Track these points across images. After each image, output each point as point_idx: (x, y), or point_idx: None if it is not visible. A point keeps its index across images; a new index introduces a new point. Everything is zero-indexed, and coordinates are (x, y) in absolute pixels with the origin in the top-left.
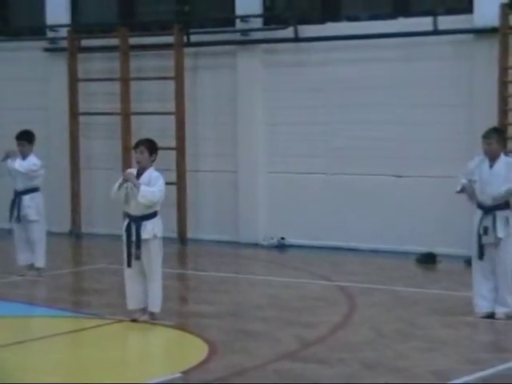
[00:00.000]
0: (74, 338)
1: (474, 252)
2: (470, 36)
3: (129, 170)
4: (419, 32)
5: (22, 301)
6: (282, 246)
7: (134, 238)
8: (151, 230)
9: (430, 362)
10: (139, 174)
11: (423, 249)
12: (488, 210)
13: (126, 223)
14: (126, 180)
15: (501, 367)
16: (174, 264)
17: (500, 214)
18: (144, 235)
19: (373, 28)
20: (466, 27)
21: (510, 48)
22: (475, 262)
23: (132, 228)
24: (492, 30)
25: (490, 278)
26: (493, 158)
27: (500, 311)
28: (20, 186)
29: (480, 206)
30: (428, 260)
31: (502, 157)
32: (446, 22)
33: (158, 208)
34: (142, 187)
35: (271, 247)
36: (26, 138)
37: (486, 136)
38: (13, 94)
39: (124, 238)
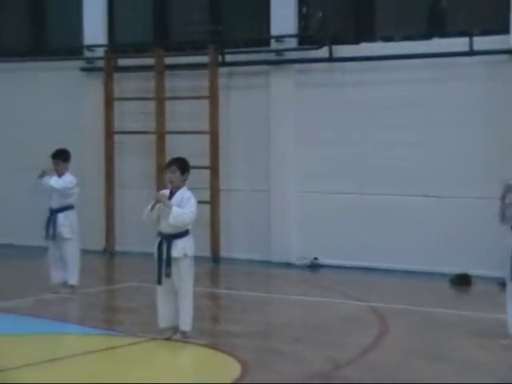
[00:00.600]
0: (105, 356)
1: (506, 273)
2: (506, 56)
3: (162, 192)
4: (454, 52)
5: (55, 318)
6: (314, 266)
7: (164, 255)
8: (182, 248)
9: None
10: (172, 194)
11: (457, 270)
12: None
13: (157, 241)
14: (158, 201)
15: None
16: (206, 283)
17: None
18: (174, 253)
19: (407, 48)
20: (502, 48)
21: None
22: (509, 284)
23: (163, 246)
24: None
25: None
26: None
27: None
28: (55, 204)
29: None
30: (462, 281)
31: None
32: (481, 42)
33: (189, 227)
34: (174, 208)
35: (304, 267)
36: (61, 156)
37: None
38: (49, 112)
39: (156, 255)
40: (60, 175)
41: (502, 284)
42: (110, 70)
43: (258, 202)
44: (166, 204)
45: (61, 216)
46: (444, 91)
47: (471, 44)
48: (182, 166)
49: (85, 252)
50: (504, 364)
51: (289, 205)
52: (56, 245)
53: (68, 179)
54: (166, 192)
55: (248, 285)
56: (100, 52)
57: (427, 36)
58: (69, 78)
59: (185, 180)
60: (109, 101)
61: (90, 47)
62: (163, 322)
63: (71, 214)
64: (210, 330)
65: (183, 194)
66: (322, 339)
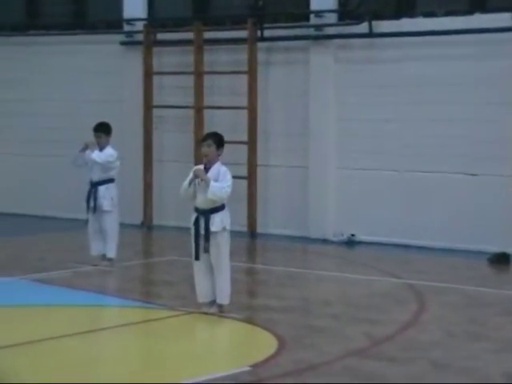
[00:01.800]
0: (143, 329)
1: None
2: None
3: (197, 167)
4: (496, 28)
5: (94, 290)
6: (351, 243)
7: (202, 231)
8: (220, 222)
9: (501, 363)
10: (206, 169)
11: (496, 248)
12: None
13: (194, 217)
14: (196, 176)
15: None
16: (243, 258)
17: None
18: (213, 228)
19: (449, 24)
20: None
21: None
22: None
23: (201, 221)
24: None
25: None
26: None
27: None
28: (96, 177)
29: None
30: (501, 260)
31: None
32: None
33: (225, 201)
34: (212, 183)
35: (341, 243)
36: (103, 129)
37: None
38: (89, 86)
39: (192, 231)
40: (101, 149)
41: None
42: (149, 44)
43: (296, 178)
44: (204, 179)
45: (102, 189)
46: (486, 68)
47: None
48: (218, 140)
49: (123, 225)
50: None
51: (326, 181)
52: (96, 217)
53: (109, 152)
54: (201, 167)
55: (285, 260)
56: (139, 26)
57: (469, 11)
58: (108, 52)
59: (219, 155)
60: (148, 75)
61: (130, 21)
62: (201, 296)
63: (112, 187)
64: (247, 305)
65: (219, 168)
66: (359, 316)
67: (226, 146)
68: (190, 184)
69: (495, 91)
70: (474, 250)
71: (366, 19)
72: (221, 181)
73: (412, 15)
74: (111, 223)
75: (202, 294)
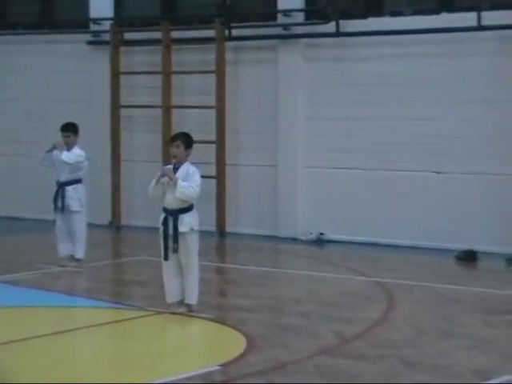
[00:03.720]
0: (112, 329)
1: None
2: None
3: (167, 166)
4: (463, 27)
5: (63, 291)
6: (320, 241)
7: (171, 231)
8: (188, 223)
9: (470, 360)
10: (175, 169)
11: (463, 246)
12: None
13: (162, 217)
14: (163, 175)
15: None
16: (212, 257)
17: None
18: (181, 228)
19: (416, 23)
20: (511, 23)
21: None
22: None
23: (169, 221)
24: None
25: None
26: None
27: None
28: (64, 177)
29: None
30: (468, 257)
31: None
32: (490, 17)
33: (194, 201)
34: (180, 182)
35: (310, 242)
36: (71, 129)
37: None
38: (56, 86)
39: (161, 231)
40: (69, 149)
41: (509, 261)
42: (116, 44)
43: (265, 177)
44: (172, 177)
45: (69, 189)
46: (453, 67)
47: (479, 19)
48: (187, 140)
49: (91, 226)
50: (511, 340)
51: (296, 180)
52: (64, 218)
53: (77, 152)
54: (171, 167)
55: (254, 259)
56: (106, 25)
57: (436, 11)
58: (75, 52)
59: (188, 155)
60: (115, 75)
61: (96, 20)
62: (170, 296)
63: (80, 187)
64: (217, 304)
65: (188, 168)
66: (329, 314)
67: (194, 145)
68: (157, 182)
69: (462, 90)
70: (441, 248)
71: (334, 18)
72: (189, 181)
73: (379, 14)
74: (79, 224)
75: (171, 293)
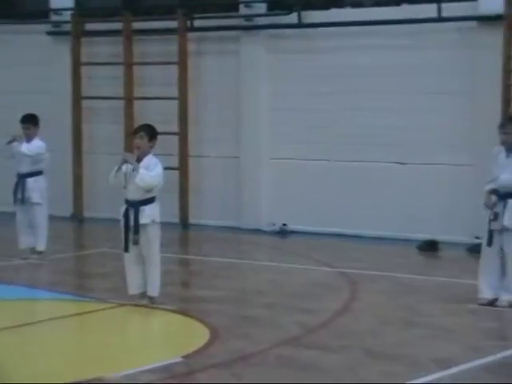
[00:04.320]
0: (75, 322)
1: (484, 237)
2: (474, 23)
3: (128, 153)
4: (423, 19)
5: (25, 284)
6: (284, 232)
7: (132, 223)
8: (150, 214)
9: (431, 349)
10: (138, 160)
11: (426, 236)
12: (501, 196)
13: (123, 208)
14: (125, 161)
15: (502, 355)
16: (176, 249)
17: (511, 202)
18: (142, 220)
19: (376, 14)
20: (471, 14)
21: None
22: (484, 248)
23: (130, 213)
24: (496, 18)
25: (496, 264)
26: (510, 148)
27: (504, 298)
28: (24, 169)
29: (494, 192)
30: (430, 247)
31: None
32: (450, 8)
33: (156, 193)
34: (141, 170)
35: (273, 233)
36: (31, 121)
37: (503, 126)
38: (16, 77)
39: (122, 223)
40: (29, 140)
41: (470, 250)
42: (77, 35)
43: (228, 168)
44: (133, 164)
45: (30, 181)
46: (414, 58)
47: (439, 10)
48: (150, 132)
49: (52, 218)
50: (472, 328)
51: (259, 171)
52: (24, 210)
53: (38, 144)
54: (133, 155)
55: (218, 251)
56: (67, 16)
57: (396, 2)
58: (36, 43)
59: (151, 147)
60: (76, 66)
61: (57, 11)
62: (132, 288)
63: (41, 179)
64: (180, 296)
65: (150, 160)
66: (292, 305)
67: (157, 136)
68: (118, 169)
69: (424, 81)
70: (404, 238)
71: (296, 9)
72: (150, 171)
73: (341, 5)
74: (40, 216)
75: (133, 285)
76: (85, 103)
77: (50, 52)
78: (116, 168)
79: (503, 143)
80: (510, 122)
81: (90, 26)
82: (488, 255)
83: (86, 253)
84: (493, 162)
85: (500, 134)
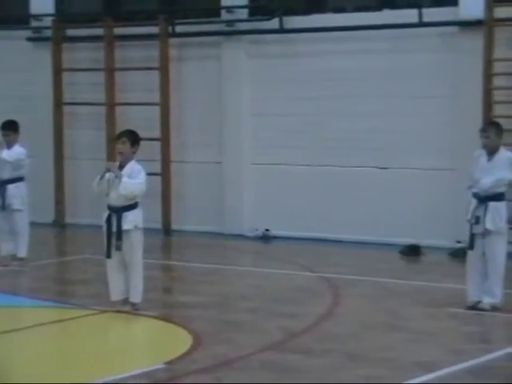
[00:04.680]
0: (57, 328)
1: (467, 241)
2: (455, 28)
3: (111, 162)
4: (404, 24)
5: (6, 291)
6: (266, 238)
7: (114, 228)
8: (132, 220)
9: (414, 353)
10: (121, 166)
11: (407, 240)
12: (482, 200)
13: (106, 214)
14: (108, 170)
15: (484, 358)
16: (158, 255)
17: (492, 205)
18: (125, 226)
19: (358, 20)
20: (451, 19)
21: (494, 40)
22: (469, 251)
23: (113, 219)
24: (477, 23)
25: (480, 267)
26: (491, 152)
27: (486, 301)
28: (5, 176)
29: (475, 195)
30: (412, 252)
31: (502, 150)
32: (431, 14)
33: (138, 199)
34: (124, 179)
35: (256, 238)
36: (11, 127)
37: (484, 130)
38: None
39: (104, 229)
40: (10, 147)
41: (452, 254)
42: (58, 40)
43: (210, 174)
44: (116, 173)
45: (11, 187)
46: (395, 62)
47: (421, 15)
48: (133, 138)
49: (34, 224)
50: (455, 332)
51: (241, 176)
52: (5, 217)
53: (18, 151)
54: (116, 164)
55: (200, 256)
56: (47, 22)
57: (377, 7)
58: (16, 48)
59: (134, 152)
60: (58, 71)
61: (37, 16)
62: (114, 294)
63: (22, 185)
64: (163, 302)
65: (133, 166)
66: (275, 310)
67: (140, 142)
68: (101, 178)
69: (405, 85)
70: (386, 243)
71: (277, 15)
72: (133, 178)
73: (322, 11)
74: (22, 222)
75: (115, 292)
76: (66, 109)
77: (30, 58)
78: (99, 177)
79: (484, 147)
80: (491, 125)
81: (70, 32)
82: (472, 259)
83: (68, 259)
84: (474, 166)
85: (481, 138)
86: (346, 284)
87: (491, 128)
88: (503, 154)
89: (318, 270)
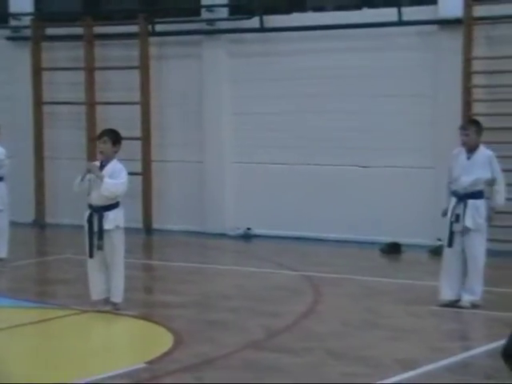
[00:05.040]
0: (38, 329)
1: (445, 239)
2: (435, 27)
3: (93, 162)
4: (384, 23)
5: None
6: (248, 236)
7: (96, 228)
8: (113, 220)
9: (394, 350)
10: (102, 166)
11: (388, 239)
12: (461, 198)
13: (87, 214)
14: (89, 171)
15: (464, 355)
16: (139, 254)
17: (471, 203)
18: (106, 226)
19: (338, 18)
20: (431, 18)
21: (473, 39)
22: (446, 249)
23: (94, 218)
24: (456, 21)
25: (458, 265)
26: (471, 150)
27: (466, 299)
28: None
29: (455, 193)
30: (393, 250)
31: (482, 148)
32: (410, 12)
33: (120, 199)
34: (105, 179)
35: (237, 237)
36: None
37: (464, 127)
38: None
39: (86, 228)
40: None
41: (432, 252)
42: (37, 40)
43: (192, 173)
44: (97, 174)
45: None
46: (375, 61)
47: (400, 14)
48: (114, 137)
49: (14, 224)
50: (435, 329)
51: (222, 175)
52: None
53: None
54: (97, 163)
55: (182, 256)
56: (26, 21)
57: (357, 6)
58: None
59: (116, 152)
60: (37, 71)
61: (16, 16)
62: (95, 294)
63: (2, 185)
64: (144, 301)
65: (114, 165)
66: (257, 308)
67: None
68: (82, 179)
69: (386, 84)
70: (367, 241)
71: (258, 14)
72: (115, 178)
73: (303, 10)
74: (1, 222)
75: (96, 291)
76: (46, 108)
77: (9, 57)
78: (80, 177)
79: (464, 145)
80: (471, 123)
81: (50, 31)
82: (450, 257)
83: (49, 259)
84: (453, 163)
85: (461, 136)
86: (327, 282)
87: (471, 126)
88: (483, 152)
89: (300, 268)
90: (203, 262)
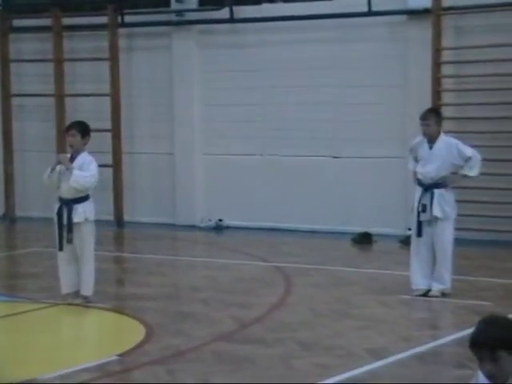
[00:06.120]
0: (8, 323)
1: (413, 229)
2: (404, 17)
3: (63, 154)
4: (354, 13)
5: None
6: (219, 228)
7: (65, 221)
8: (83, 213)
9: (365, 340)
10: (73, 158)
11: (360, 229)
12: (427, 187)
13: (57, 206)
14: (59, 162)
15: (433, 344)
16: (110, 247)
17: (438, 193)
18: (75, 218)
19: (308, 9)
20: (400, 8)
21: (442, 29)
22: (414, 239)
23: (63, 211)
24: (425, 11)
25: (427, 255)
26: (432, 139)
27: (435, 288)
28: None
29: (420, 183)
30: (364, 240)
31: (442, 137)
32: (379, 3)
33: (90, 191)
34: (75, 171)
35: (209, 229)
36: None
37: (424, 117)
38: None
39: (55, 221)
40: None
41: (403, 242)
42: (5, 31)
43: (162, 165)
44: (67, 165)
45: None
46: (345, 52)
47: (370, 4)
48: (83, 129)
49: None
50: (405, 319)
51: (193, 167)
52: None
53: None
54: (68, 156)
55: (153, 248)
56: None
57: None
58: None
59: (85, 144)
60: (5, 62)
61: None
62: (65, 287)
63: None
64: (115, 294)
65: (84, 158)
66: (227, 300)
67: (90, 133)
68: (52, 170)
69: (356, 74)
70: (338, 231)
71: (227, 4)
72: (85, 170)
73: (272, 0)
74: None
75: (66, 284)
76: (14, 101)
77: None
78: (49, 169)
79: (425, 135)
80: (431, 113)
81: (17, 23)
82: (418, 246)
83: (18, 253)
84: (414, 151)
85: (422, 126)
86: (298, 273)
87: (431, 116)
88: (444, 140)
89: (271, 259)
90: (174, 254)
